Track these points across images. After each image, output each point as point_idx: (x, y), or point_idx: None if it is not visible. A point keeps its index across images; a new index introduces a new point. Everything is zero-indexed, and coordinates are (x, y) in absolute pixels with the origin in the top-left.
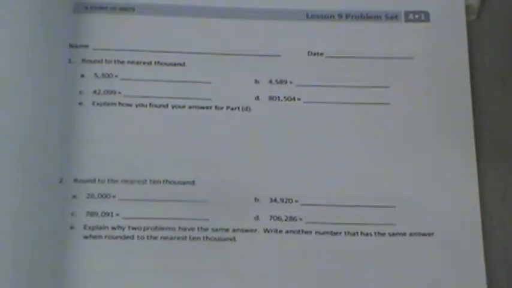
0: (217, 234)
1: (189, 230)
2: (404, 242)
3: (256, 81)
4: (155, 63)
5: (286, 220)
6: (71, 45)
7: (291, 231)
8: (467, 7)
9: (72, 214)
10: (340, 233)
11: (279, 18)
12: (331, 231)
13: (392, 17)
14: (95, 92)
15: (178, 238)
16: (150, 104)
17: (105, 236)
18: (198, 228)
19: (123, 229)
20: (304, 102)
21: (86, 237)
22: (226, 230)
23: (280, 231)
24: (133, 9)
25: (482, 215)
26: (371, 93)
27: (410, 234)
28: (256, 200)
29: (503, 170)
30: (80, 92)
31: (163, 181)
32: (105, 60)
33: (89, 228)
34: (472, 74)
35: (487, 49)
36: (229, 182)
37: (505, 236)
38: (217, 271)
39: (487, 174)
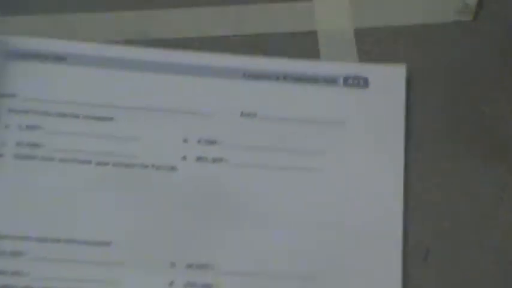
0: None
1: None
2: None
3: (185, 140)
4: (83, 116)
5: None
6: None
7: None
8: (464, 7)
9: None
10: None
11: (214, 76)
12: None
13: (331, 80)
14: (18, 144)
15: None
16: (73, 159)
17: None
18: None
19: None
20: (232, 165)
21: None
22: None
23: None
24: (66, 59)
25: (478, 216)
26: (303, 159)
27: None
28: (172, 265)
29: (500, 171)
30: (2, 143)
31: (78, 241)
32: (32, 112)
33: None
34: (469, 75)
35: (484, 49)
36: (146, 245)
37: (502, 237)
38: None
39: (484, 174)
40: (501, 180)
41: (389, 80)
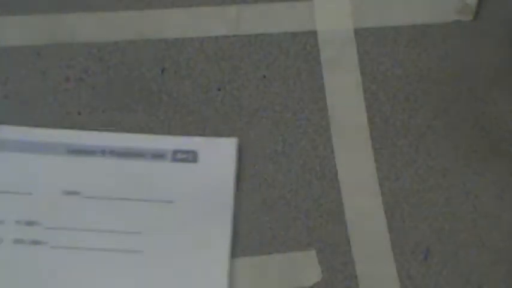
0: None
1: None
2: None
3: (1, 222)
4: None
5: None
6: None
7: None
8: (464, 7)
9: None
10: None
11: (35, 151)
12: None
13: (159, 155)
14: None
15: None
16: None
17: None
18: None
19: None
20: (51, 247)
21: None
22: None
23: None
24: None
25: (478, 216)
26: (123, 240)
27: None
28: None
29: (500, 170)
30: None
31: None
32: None
33: None
34: (469, 75)
35: (484, 49)
36: None
37: (500, 236)
38: None
39: (484, 174)
40: (501, 180)
41: (220, 153)
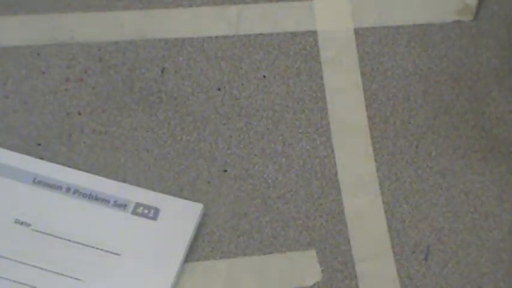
0: None
1: None
2: None
3: None
4: None
5: None
6: None
7: None
8: (464, 7)
9: None
10: None
11: (1, 174)
12: None
13: (121, 205)
14: None
15: None
16: None
17: None
18: None
19: None
20: None
21: None
22: None
23: None
24: None
25: (478, 215)
26: (61, 282)
27: None
28: None
29: (500, 170)
30: None
31: None
32: None
33: None
34: (469, 75)
35: (484, 49)
36: None
37: (500, 237)
38: None
39: (484, 174)
40: (501, 180)
41: (182, 216)
